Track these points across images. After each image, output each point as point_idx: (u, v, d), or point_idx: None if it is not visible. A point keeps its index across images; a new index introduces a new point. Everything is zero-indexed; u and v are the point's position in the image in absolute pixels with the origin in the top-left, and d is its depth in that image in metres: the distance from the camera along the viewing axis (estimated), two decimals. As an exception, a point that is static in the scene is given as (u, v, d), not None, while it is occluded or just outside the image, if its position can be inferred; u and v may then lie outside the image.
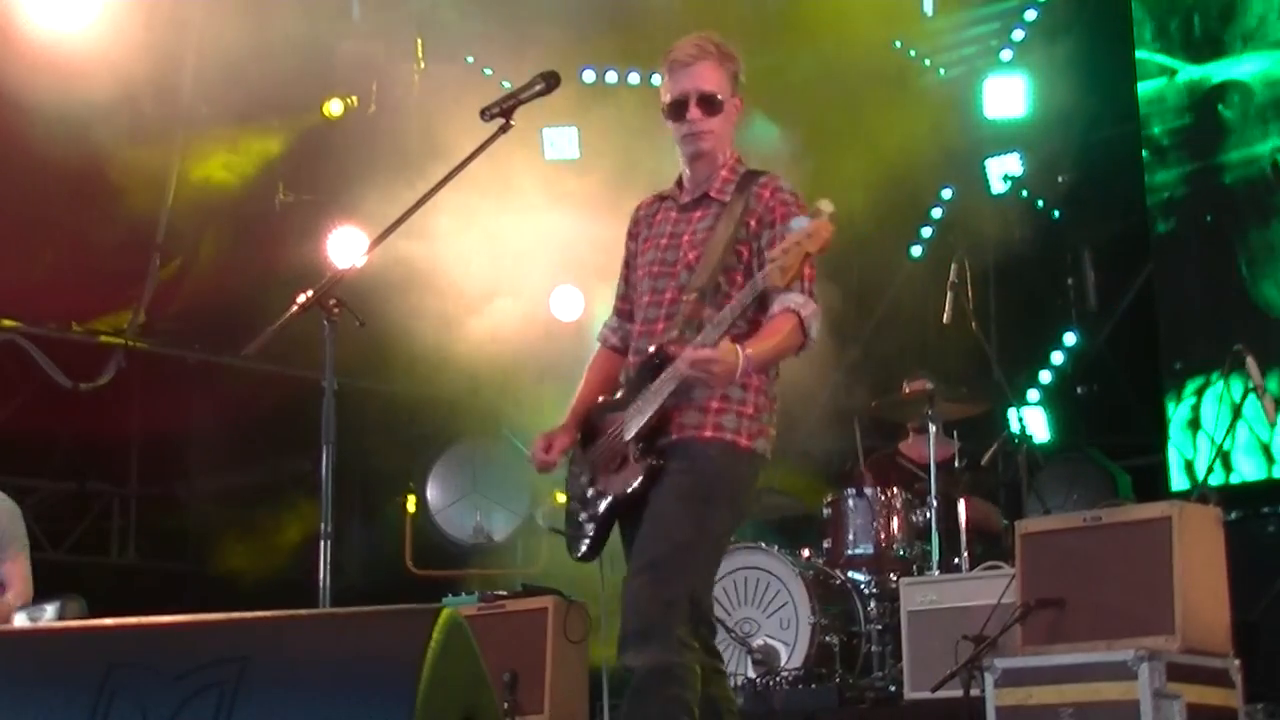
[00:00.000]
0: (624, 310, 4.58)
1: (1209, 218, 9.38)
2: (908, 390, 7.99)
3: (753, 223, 4.26)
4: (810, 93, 9.62)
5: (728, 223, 4.27)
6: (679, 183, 4.50)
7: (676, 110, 4.37)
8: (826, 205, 4.05)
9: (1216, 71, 9.41)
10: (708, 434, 4.19)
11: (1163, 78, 9.60)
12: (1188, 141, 9.48)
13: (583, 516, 4.32)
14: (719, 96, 4.36)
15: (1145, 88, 9.69)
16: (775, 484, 8.71)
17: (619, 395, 4.36)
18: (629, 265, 4.58)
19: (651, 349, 4.24)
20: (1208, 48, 9.45)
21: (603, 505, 4.25)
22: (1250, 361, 6.53)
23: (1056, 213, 10.61)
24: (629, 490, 4.19)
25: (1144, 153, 9.67)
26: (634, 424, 4.21)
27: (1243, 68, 9.29)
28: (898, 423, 8.27)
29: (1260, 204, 9.12)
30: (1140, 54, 9.72)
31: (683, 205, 4.43)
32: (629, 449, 4.20)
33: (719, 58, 4.39)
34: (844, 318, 9.61)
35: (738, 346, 4.02)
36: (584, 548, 4.32)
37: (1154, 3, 9.70)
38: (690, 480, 4.14)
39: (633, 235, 4.57)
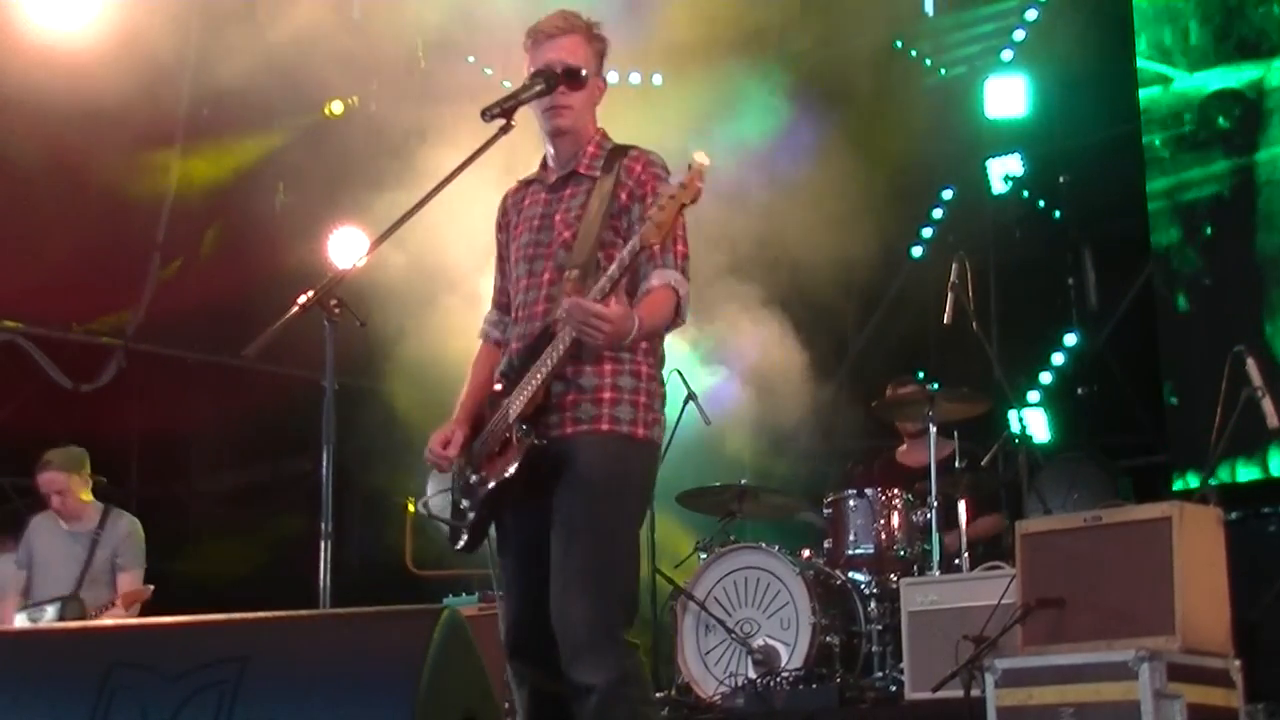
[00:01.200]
0: (502, 303, 4.47)
1: (1209, 230, 9.37)
2: (890, 394, 7.98)
3: (624, 196, 4.16)
4: (809, 92, 9.61)
5: (599, 198, 4.17)
6: (544, 164, 4.41)
7: (542, 88, 4.26)
8: (701, 157, 3.92)
9: (1211, 80, 9.40)
10: (604, 428, 4.09)
11: (1158, 86, 9.60)
12: (1184, 150, 9.47)
13: (464, 504, 4.23)
14: (583, 72, 4.27)
15: (1140, 96, 9.68)
16: (775, 484, 8.71)
17: (499, 387, 4.23)
18: (503, 258, 4.48)
19: (539, 330, 4.14)
20: (1203, 56, 9.44)
21: (483, 492, 4.15)
22: (1251, 363, 6.52)
23: (1056, 213, 10.62)
24: (508, 474, 4.07)
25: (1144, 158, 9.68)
26: (517, 404, 4.11)
27: (1239, 76, 9.28)
28: (897, 424, 8.26)
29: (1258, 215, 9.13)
30: (1139, 62, 9.71)
31: (551, 185, 4.33)
32: (512, 431, 4.09)
33: (586, 34, 4.31)
34: (844, 318, 9.62)
35: (634, 312, 3.92)
36: (465, 537, 4.23)
37: (1150, 11, 9.68)
38: (596, 480, 4.05)
39: (501, 226, 4.47)
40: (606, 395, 4.11)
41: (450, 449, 4.28)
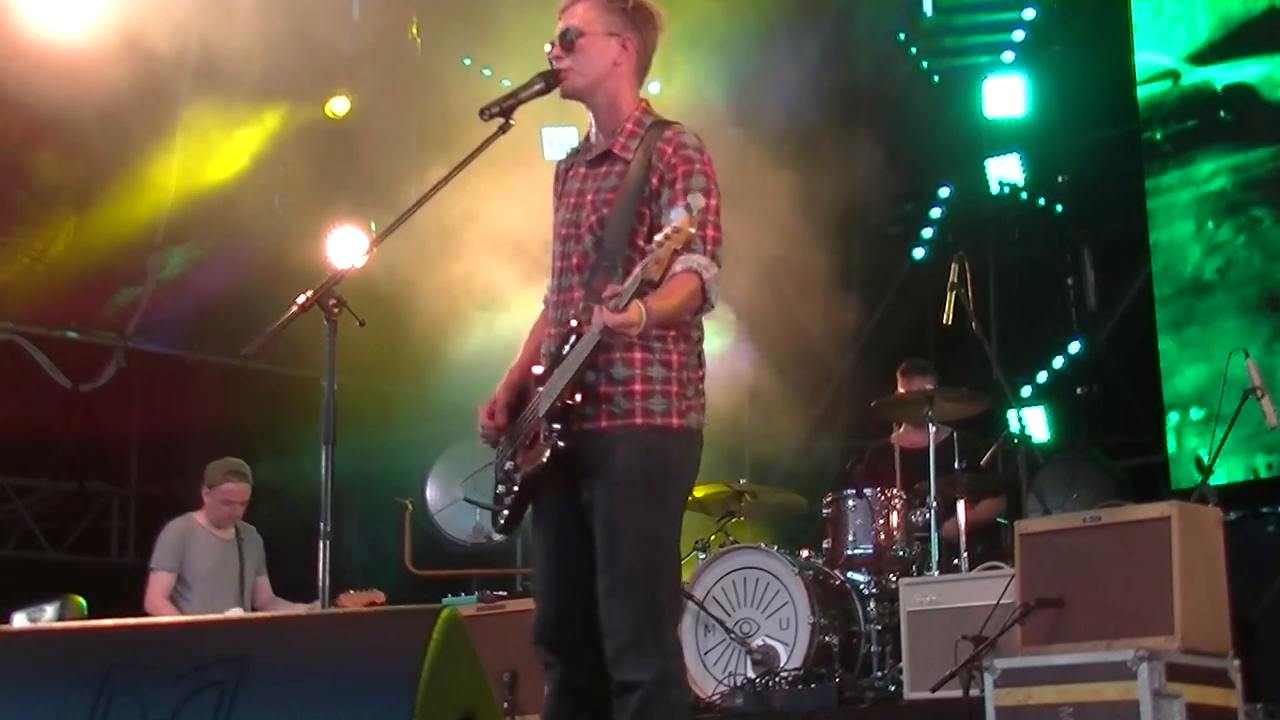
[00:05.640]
0: None
1: (1210, 225, 9.38)
2: (902, 381, 8.00)
3: (655, 180, 4.11)
4: (808, 92, 9.63)
5: (631, 182, 4.14)
6: (587, 135, 4.37)
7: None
8: (696, 200, 3.90)
9: (1221, 75, 9.39)
10: (638, 421, 4.07)
11: (1166, 81, 9.59)
12: (1190, 145, 9.47)
13: (501, 490, 4.24)
14: (583, 32, 4.20)
15: (1148, 91, 9.68)
16: (775, 484, 8.71)
17: (539, 370, 4.23)
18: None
19: (573, 324, 4.12)
20: (1212, 51, 9.44)
21: (517, 481, 4.17)
22: (1250, 364, 6.54)
23: (1057, 212, 10.63)
24: (535, 468, 4.08)
25: (1144, 155, 9.67)
26: (546, 401, 4.09)
27: (1247, 71, 9.28)
28: (897, 422, 8.26)
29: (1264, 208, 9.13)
30: (1144, 57, 9.70)
31: (590, 161, 4.29)
32: (540, 426, 4.10)
33: None
34: (844, 318, 9.63)
35: (642, 306, 3.86)
36: (501, 521, 4.24)
37: (1158, 5, 9.69)
38: (635, 479, 4.04)
39: (555, 193, 4.44)
40: (638, 388, 4.09)
41: (497, 418, 4.28)
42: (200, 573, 7.84)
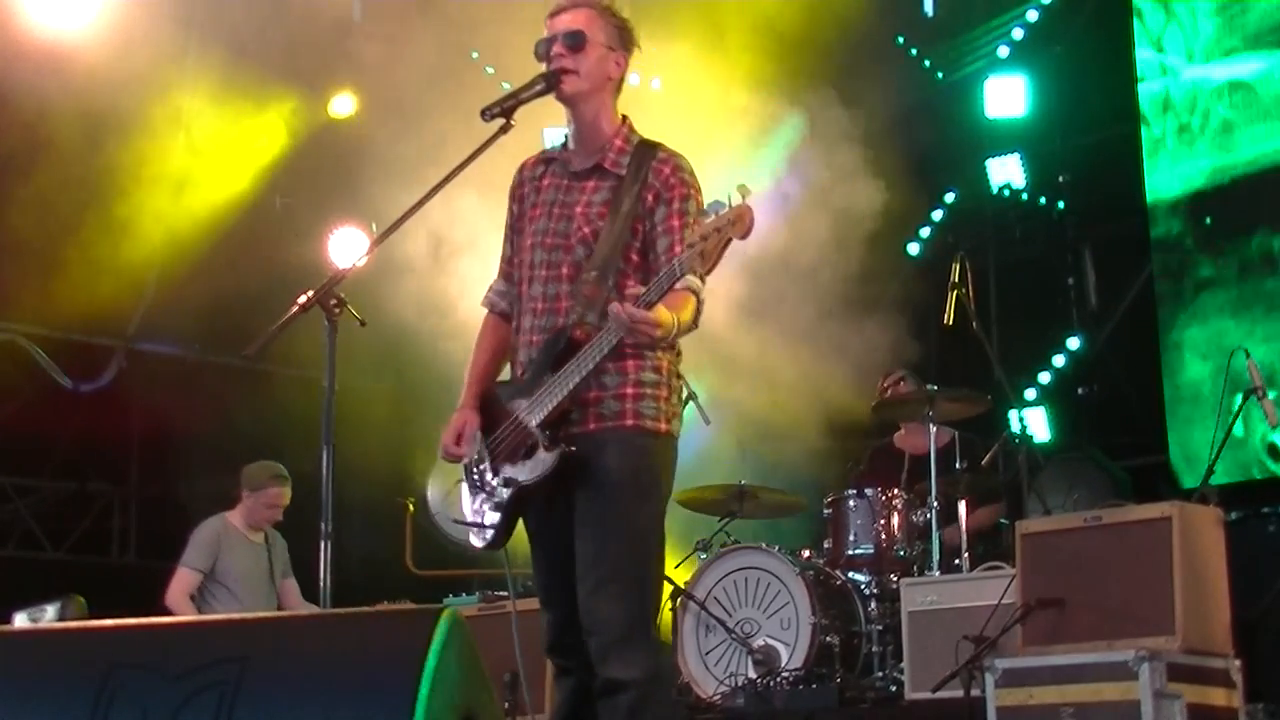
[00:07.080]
0: (510, 274, 4.43)
1: (1208, 221, 9.38)
2: (886, 390, 8.00)
3: (649, 198, 4.15)
4: (809, 93, 9.61)
5: (626, 199, 4.16)
6: (565, 145, 4.38)
7: (543, 55, 4.25)
8: (747, 188, 3.90)
9: (1219, 71, 9.39)
10: (629, 423, 4.10)
11: (1165, 77, 9.59)
12: (1189, 142, 9.47)
13: (487, 506, 4.21)
14: (586, 35, 4.22)
15: (1148, 88, 9.68)
16: (776, 484, 8.70)
17: (522, 375, 4.21)
18: (513, 228, 4.43)
19: (559, 325, 4.13)
20: (1212, 48, 9.43)
21: (508, 494, 4.14)
22: (1250, 363, 6.53)
23: (1057, 212, 10.62)
24: (540, 478, 4.07)
25: (1144, 154, 9.67)
26: (540, 410, 4.09)
27: (1246, 67, 9.28)
28: (897, 422, 8.26)
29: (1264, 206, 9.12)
30: (1143, 53, 9.70)
31: (574, 173, 4.30)
32: (537, 436, 4.08)
33: (598, 10, 4.27)
34: (845, 318, 9.61)
35: (674, 317, 3.87)
36: (489, 536, 4.20)
37: (1158, 3, 9.69)
38: (624, 480, 4.07)
39: (516, 197, 4.42)
40: (629, 391, 4.12)
41: (463, 444, 4.26)
42: (234, 574, 7.88)
